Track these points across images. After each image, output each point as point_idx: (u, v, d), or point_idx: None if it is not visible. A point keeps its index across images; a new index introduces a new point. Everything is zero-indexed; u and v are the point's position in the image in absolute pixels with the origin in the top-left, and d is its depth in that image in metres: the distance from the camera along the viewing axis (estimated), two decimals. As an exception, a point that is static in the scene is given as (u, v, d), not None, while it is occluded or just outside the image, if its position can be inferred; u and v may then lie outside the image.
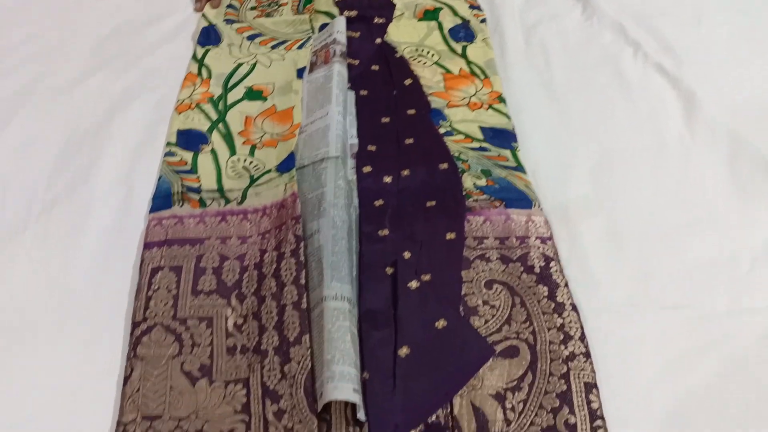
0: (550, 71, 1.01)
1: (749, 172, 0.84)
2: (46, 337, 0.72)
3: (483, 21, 1.08)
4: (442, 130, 0.91)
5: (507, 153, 0.88)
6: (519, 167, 0.87)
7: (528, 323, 0.70)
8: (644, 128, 0.92)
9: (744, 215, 0.80)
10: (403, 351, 0.66)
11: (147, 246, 0.78)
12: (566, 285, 0.73)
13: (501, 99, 0.95)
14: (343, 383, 0.62)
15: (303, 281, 0.71)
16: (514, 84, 1.00)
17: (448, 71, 1.00)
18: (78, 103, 0.99)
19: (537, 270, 0.74)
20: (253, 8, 1.13)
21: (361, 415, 0.62)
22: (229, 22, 1.10)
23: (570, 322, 0.70)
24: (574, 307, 0.71)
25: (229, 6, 1.14)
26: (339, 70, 0.95)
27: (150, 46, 1.09)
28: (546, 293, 0.72)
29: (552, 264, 0.75)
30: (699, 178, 0.85)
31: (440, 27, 1.07)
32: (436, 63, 1.01)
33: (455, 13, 1.09)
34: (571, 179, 0.86)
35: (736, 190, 0.83)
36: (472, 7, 1.11)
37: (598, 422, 0.63)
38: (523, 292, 0.72)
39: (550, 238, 0.78)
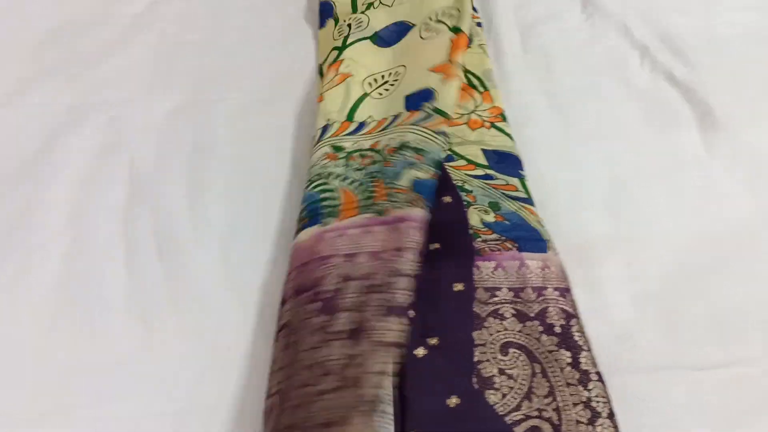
0: (552, 79, 0.92)
1: (773, 198, 0.77)
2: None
3: (479, 24, 0.97)
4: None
5: (515, 182, 0.79)
6: (529, 199, 0.77)
7: (551, 398, 0.61)
8: (657, 146, 0.84)
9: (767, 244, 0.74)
10: None
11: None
12: (590, 348, 0.65)
13: (503, 116, 0.85)
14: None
15: None
16: (513, 95, 0.90)
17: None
18: (12, 123, 0.85)
19: (557, 329, 0.66)
20: None
21: None
22: None
23: (597, 395, 0.61)
24: (600, 377, 0.63)
25: None
26: None
27: (102, 50, 0.94)
28: (569, 359, 0.64)
29: (573, 322, 0.66)
30: (720, 205, 0.78)
31: None
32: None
33: None
34: (584, 211, 0.78)
35: (761, 219, 0.76)
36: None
37: None
38: (543, 358, 0.64)
39: (569, 289, 0.69)
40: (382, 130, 0.80)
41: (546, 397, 0.61)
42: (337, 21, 0.92)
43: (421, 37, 0.87)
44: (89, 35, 0.95)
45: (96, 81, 0.90)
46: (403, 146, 0.76)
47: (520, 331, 0.66)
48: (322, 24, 0.93)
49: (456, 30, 0.86)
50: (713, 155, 0.82)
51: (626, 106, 0.88)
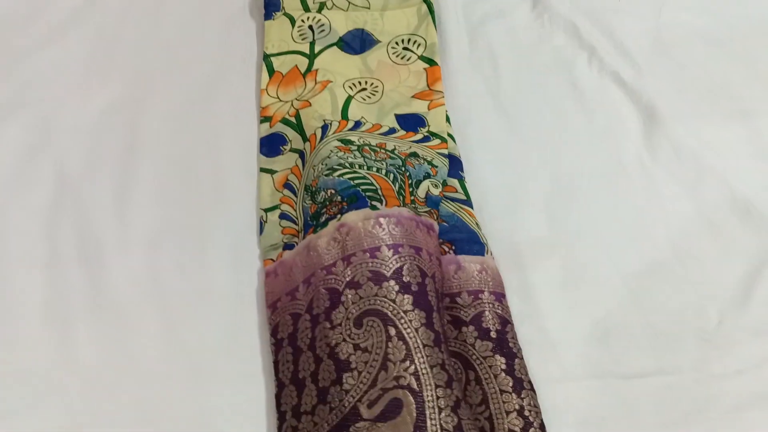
0: (498, 79, 0.90)
1: (716, 204, 0.77)
2: None
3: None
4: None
5: (455, 183, 0.77)
6: (468, 201, 0.76)
7: (484, 406, 0.60)
8: (601, 149, 0.83)
9: (710, 256, 0.73)
10: None
11: None
12: (522, 356, 0.63)
13: (447, 119, 0.83)
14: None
15: None
16: (459, 94, 0.88)
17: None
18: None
19: (493, 335, 0.64)
20: None
21: None
22: None
23: (529, 405, 0.60)
24: (532, 386, 0.62)
25: None
26: None
27: (37, 45, 0.89)
28: (504, 366, 0.62)
29: (508, 328, 0.65)
30: (661, 208, 0.77)
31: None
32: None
33: None
34: (522, 214, 0.77)
35: (702, 225, 0.76)
36: None
37: None
38: (478, 365, 0.63)
39: (504, 294, 0.68)
40: (383, 134, 0.80)
41: (479, 405, 0.60)
42: (292, 19, 0.90)
43: (392, 60, 0.88)
44: (24, 28, 0.91)
45: (28, 77, 0.86)
46: (415, 155, 0.76)
47: (455, 338, 0.64)
48: (268, 16, 0.91)
49: (430, 62, 0.88)
50: (656, 158, 0.81)
51: (571, 107, 0.87)
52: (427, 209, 0.72)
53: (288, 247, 0.71)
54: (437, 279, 0.64)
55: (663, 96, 0.86)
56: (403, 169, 0.74)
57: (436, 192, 0.73)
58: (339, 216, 0.67)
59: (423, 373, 0.57)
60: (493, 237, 0.74)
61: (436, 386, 0.56)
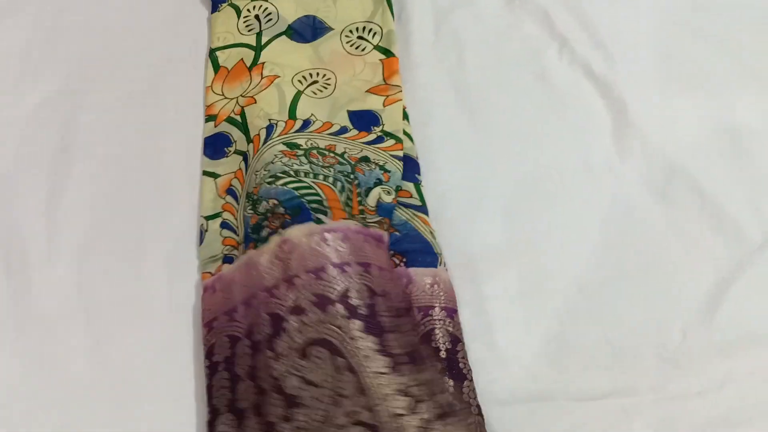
0: (463, 71, 0.84)
1: (686, 209, 0.72)
2: None
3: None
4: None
5: (410, 187, 0.73)
6: (423, 207, 0.71)
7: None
8: (568, 148, 0.78)
9: (677, 266, 0.69)
10: None
11: None
12: (471, 378, 0.60)
13: (405, 116, 0.78)
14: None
15: None
16: (420, 87, 0.83)
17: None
18: None
19: (443, 354, 0.60)
20: None
21: None
22: None
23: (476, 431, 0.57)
24: (480, 410, 0.58)
25: None
26: None
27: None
28: (452, 389, 0.59)
29: (459, 347, 0.62)
30: (629, 214, 0.73)
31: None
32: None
33: None
34: (481, 219, 0.72)
35: (670, 232, 0.71)
36: None
37: None
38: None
39: (456, 310, 0.64)
40: (334, 134, 0.75)
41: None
42: (237, 9, 0.84)
43: (346, 50, 0.82)
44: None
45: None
46: (366, 160, 0.72)
47: None
48: (214, 8, 0.85)
49: (386, 53, 0.82)
50: (624, 159, 0.76)
51: (539, 102, 0.81)
52: (378, 219, 0.67)
53: (227, 260, 0.67)
54: (392, 295, 0.60)
55: (636, 90, 0.80)
56: (353, 176, 0.70)
57: (388, 199, 0.69)
58: (281, 231, 0.63)
59: (377, 406, 0.54)
60: (449, 245, 0.70)
61: (396, 415, 0.54)
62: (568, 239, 0.71)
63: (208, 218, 0.71)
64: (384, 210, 0.68)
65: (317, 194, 0.66)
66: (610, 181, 0.75)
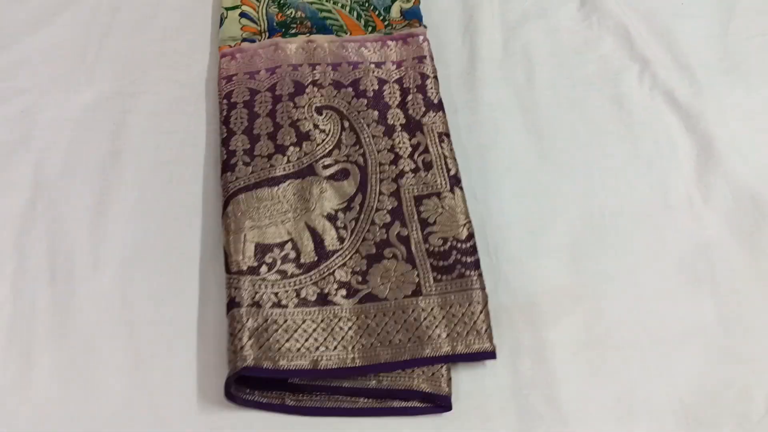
0: (533, 91, 0.79)
1: (775, 259, 0.65)
2: None
3: None
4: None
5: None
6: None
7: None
8: (644, 182, 0.72)
9: (764, 321, 0.62)
10: None
11: None
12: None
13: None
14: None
15: None
16: (485, 108, 0.77)
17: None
18: None
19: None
20: None
21: None
22: None
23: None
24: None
25: None
26: None
27: (25, 26, 0.82)
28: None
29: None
30: (709, 259, 0.66)
31: None
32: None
33: None
34: (543, 257, 0.67)
35: (756, 286, 0.64)
36: None
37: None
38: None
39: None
40: None
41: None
42: None
43: None
44: (13, 8, 0.84)
45: (11, 63, 0.79)
46: None
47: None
48: None
49: None
50: (708, 199, 0.70)
51: (614, 130, 0.75)
52: (406, 22, 0.81)
53: (248, 40, 0.78)
54: (407, 78, 0.75)
55: (724, 123, 0.74)
56: (367, 4, 0.83)
57: (408, 6, 0.83)
58: (309, 34, 0.79)
59: (369, 155, 0.69)
60: (508, 283, 0.65)
61: (380, 164, 0.69)
62: (639, 284, 0.65)
63: (227, 9, 0.82)
64: (410, 14, 0.82)
65: (338, 20, 0.81)
66: (690, 221, 0.68)
